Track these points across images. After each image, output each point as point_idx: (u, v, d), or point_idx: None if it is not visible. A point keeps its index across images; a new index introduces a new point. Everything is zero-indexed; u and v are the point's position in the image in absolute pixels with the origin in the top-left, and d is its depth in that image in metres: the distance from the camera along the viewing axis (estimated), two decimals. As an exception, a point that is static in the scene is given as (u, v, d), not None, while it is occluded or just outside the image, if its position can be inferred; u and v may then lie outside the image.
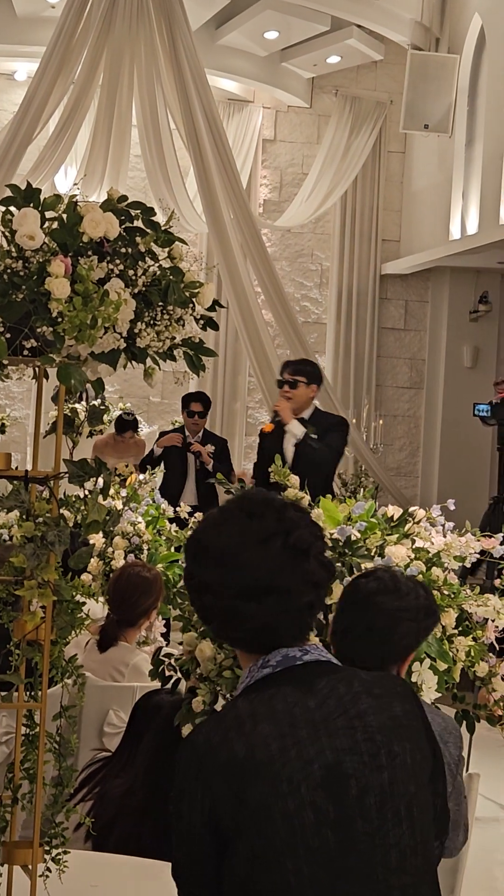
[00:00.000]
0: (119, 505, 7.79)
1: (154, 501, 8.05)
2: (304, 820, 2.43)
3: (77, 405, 14.43)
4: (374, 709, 2.58)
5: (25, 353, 3.24)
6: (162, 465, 11.69)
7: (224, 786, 2.45)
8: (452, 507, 5.36)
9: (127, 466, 12.51)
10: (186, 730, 4.48)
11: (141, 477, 9.93)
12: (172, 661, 4.80)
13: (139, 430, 15.27)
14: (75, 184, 13.21)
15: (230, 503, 2.74)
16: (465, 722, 5.12)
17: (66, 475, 3.43)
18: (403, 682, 2.72)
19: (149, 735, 4.73)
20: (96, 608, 6.69)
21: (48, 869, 3.40)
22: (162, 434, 12.38)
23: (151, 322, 3.40)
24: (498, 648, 5.18)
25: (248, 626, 2.63)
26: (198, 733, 2.55)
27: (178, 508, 8.19)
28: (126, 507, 7.85)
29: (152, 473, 9.35)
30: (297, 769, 2.46)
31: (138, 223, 3.47)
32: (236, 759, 2.46)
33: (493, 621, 5.08)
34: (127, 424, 13.62)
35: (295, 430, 9.08)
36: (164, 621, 7.11)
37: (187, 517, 8.08)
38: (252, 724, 2.50)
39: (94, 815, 4.63)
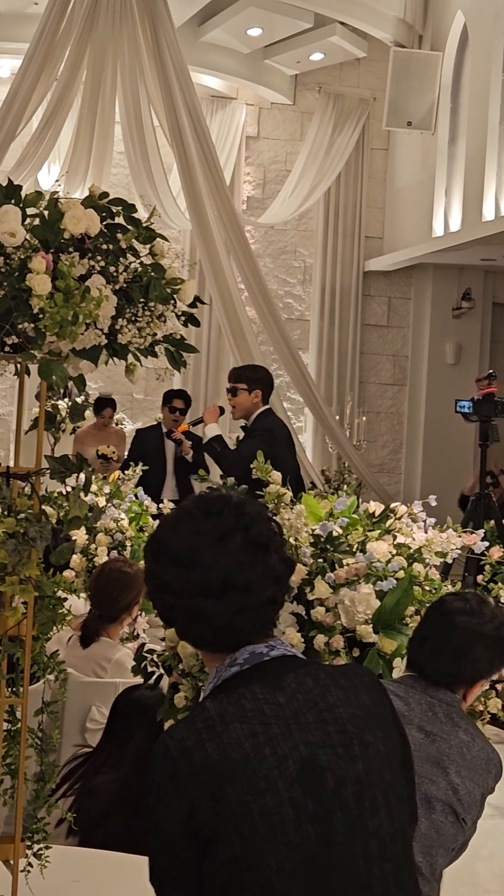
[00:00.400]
0: (102, 502, 7.79)
1: (137, 498, 8.05)
2: (284, 816, 2.43)
3: (60, 402, 14.42)
4: (343, 700, 2.58)
5: (7, 349, 3.25)
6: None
7: (200, 789, 2.44)
8: (434, 503, 5.38)
9: (109, 447, 12.56)
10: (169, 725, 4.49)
11: (124, 473, 9.94)
12: (155, 657, 4.81)
13: (123, 421, 15.28)
14: (57, 181, 13.24)
15: (186, 502, 2.75)
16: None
17: (48, 471, 3.44)
18: (369, 672, 2.74)
19: (139, 732, 4.73)
20: (78, 604, 6.69)
21: (30, 864, 3.40)
22: (140, 437, 12.48)
23: (133, 318, 3.40)
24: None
25: (211, 625, 2.62)
26: (170, 737, 2.53)
27: (160, 505, 8.19)
28: (109, 504, 7.85)
29: (134, 470, 9.34)
30: (272, 766, 2.45)
31: (119, 220, 3.47)
32: (210, 761, 2.45)
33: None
34: (105, 402, 13.63)
35: (208, 433, 9.40)
36: (146, 618, 7.11)
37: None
38: (223, 725, 2.49)
39: (81, 810, 4.64)
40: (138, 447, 12.16)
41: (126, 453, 12.49)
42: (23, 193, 3.35)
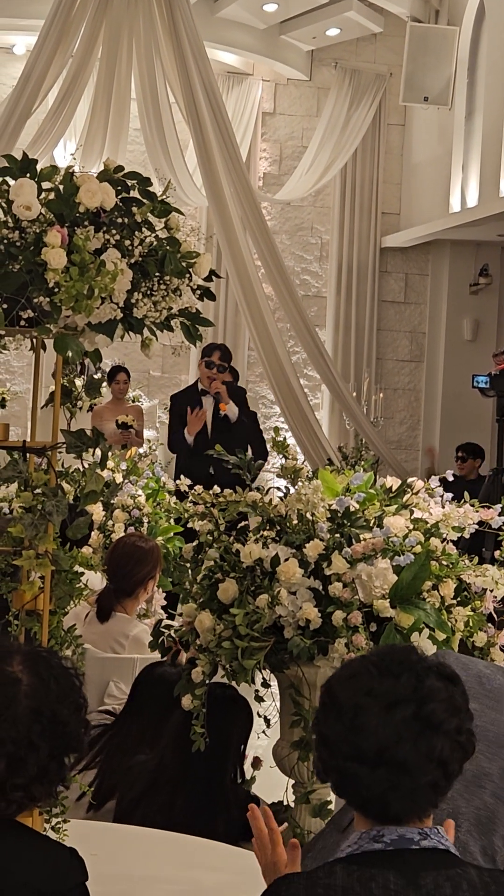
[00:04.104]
0: (119, 478, 7.81)
1: (154, 475, 8.06)
2: None
3: (77, 380, 14.44)
4: None
5: (22, 323, 3.25)
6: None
7: None
8: (451, 479, 5.37)
9: (128, 416, 12.53)
10: (186, 700, 4.49)
11: (141, 450, 9.95)
12: (172, 632, 4.82)
13: (140, 398, 15.29)
14: (71, 155, 13.20)
15: (371, 654, 2.58)
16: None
17: (64, 445, 3.44)
18: None
19: (173, 710, 4.71)
20: (95, 579, 6.71)
21: (48, 837, 3.41)
22: (176, 399, 11.75)
23: (148, 292, 3.40)
24: (496, 619, 5.19)
25: (360, 793, 2.48)
26: (286, 887, 2.44)
27: (177, 482, 8.19)
28: (126, 481, 7.87)
29: (153, 448, 9.35)
30: None
31: (135, 193, 3.46)
32: None
33: (491, 592, 5.09)
34: (118, 368, 13.63)
35: (234, 410, 10.63)
36: (164, 594, 7.13)
37: (187, 490, 8.08)
38: None
39: (120, 792, 4.64)
40: (176, 413, 11.43)
41: (144, 429, 12.44)
42: (38, 168, 3.35)
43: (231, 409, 11.10)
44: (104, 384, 13.70)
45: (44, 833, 3.37)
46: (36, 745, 2.53)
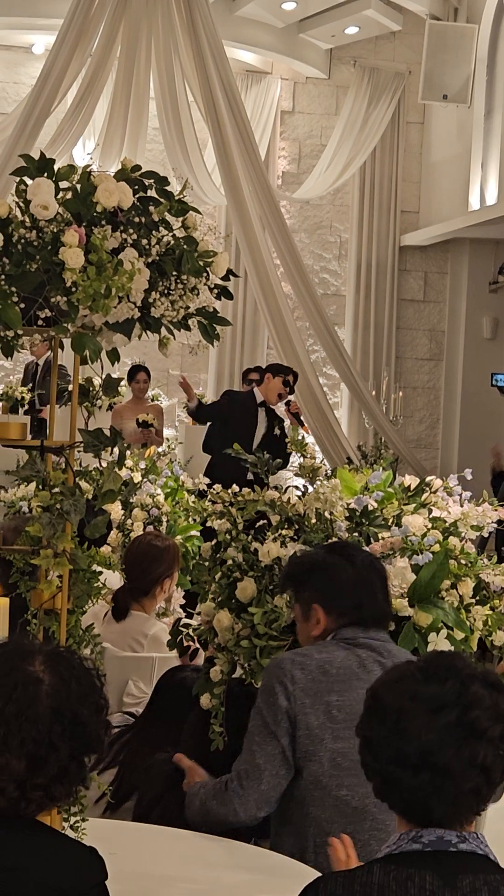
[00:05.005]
0: (137, 477, 7.82)
1: (172, 473, 8.07)
2: None
3: (94, 378, 14.44)
4: None
5: (40, 323, 3.25)
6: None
7: None
8: (470, 477, 5.36)
9: (148, 414, 12.53)
10: (204, 700, 4.49)
11: (160, 449, 9.96)
12: (190, 631, 4.82)
13: (160, 397, 15.29)
14: (88, 154, 13.21)
15: (418, 660, 2.59)
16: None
17: (82, 444, 3.44)
18: None
19: (193, 712, 4.70)
20: (114, 578, 6.71)
21: (66, 836, 3.41)
22: (230, 396, 11.67)
23: (165, 291, 3.40)
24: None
25: (402, 797, 2.49)
26: (324, 886, 2.44)
27: (196, 481, 8.19)
28: (145, 479, 7.87)
29: (171, 446, 9.35)
30: None
31: (152, 193, 3.46)
32: None
33: (510, 590, 5.08)
34: (138, 368, 13.65)
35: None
36: (183, 593, 7.12)
37: (206, 489, 8.08)
38: None
39: (139, 794, 4.64)
40: (224, 408, 11.28)
41: (164, 428, 12.45)
42: (55, 167, 3.36)
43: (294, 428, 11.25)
44: (122, 383, 13.70)
45: (62, 832, 3.38)
46: (56, 746, 2.53)
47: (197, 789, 4.03)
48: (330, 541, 4.65)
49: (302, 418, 11.18)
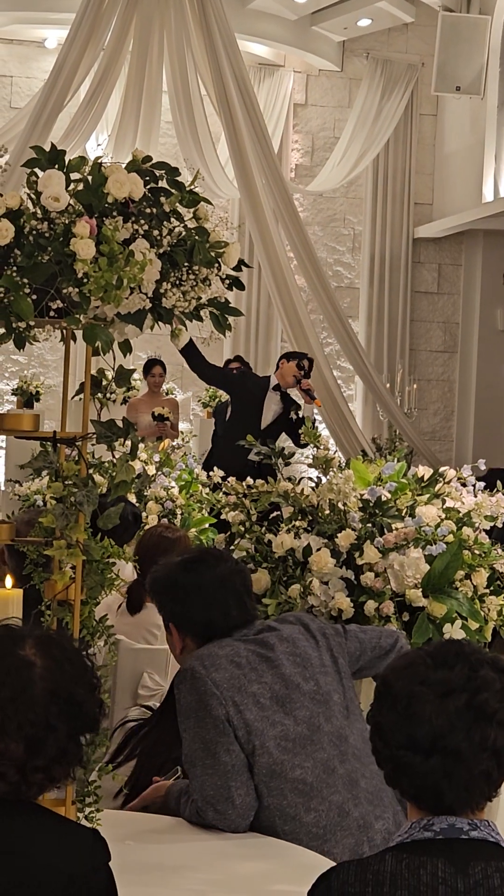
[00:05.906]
0: (151, 470, 7.82)
1: (187, 466, 8.07)
2: None
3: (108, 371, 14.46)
4: None
5: (52, 314, 3.26)
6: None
7: None
8: (483, 468, 5.36)
9: (164, 407, 12.54)
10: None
11: (175, 442, 9.97)
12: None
13: (174, 391, 15.29)
14: (99, 145, 13.20)
15: (426, 646, 2.61)
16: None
17: (94, 436, 3.45)
18: None
19: None
20: (127, 570, 6.72)
21: (82, 827, 3.42)
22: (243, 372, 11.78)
23: (177, 282, 3.40)
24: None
25: (414, 783, 2.50)
26: (336, 875, 2.46)
27: (210, 473, 8.20)
28: (159, 472, 7.88)
29: (185, 440, 9.36)
30: None
31: (163, 183, 3.47)
32: None
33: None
34: (154, 361, 13.66)
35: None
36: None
37: (220, 482, 8.08)
38: (392, 889, 2.40)
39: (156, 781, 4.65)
40: (231, 379, 11.31)
41: (179, 421, 12.44)
42: (66, 159, 3.36)
43: (308, 409, 10.99)
44: (136, 376, 13.72)
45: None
46: (54, 727, 2.55)
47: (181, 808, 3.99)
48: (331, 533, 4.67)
49: (314, 394, 10.96)
